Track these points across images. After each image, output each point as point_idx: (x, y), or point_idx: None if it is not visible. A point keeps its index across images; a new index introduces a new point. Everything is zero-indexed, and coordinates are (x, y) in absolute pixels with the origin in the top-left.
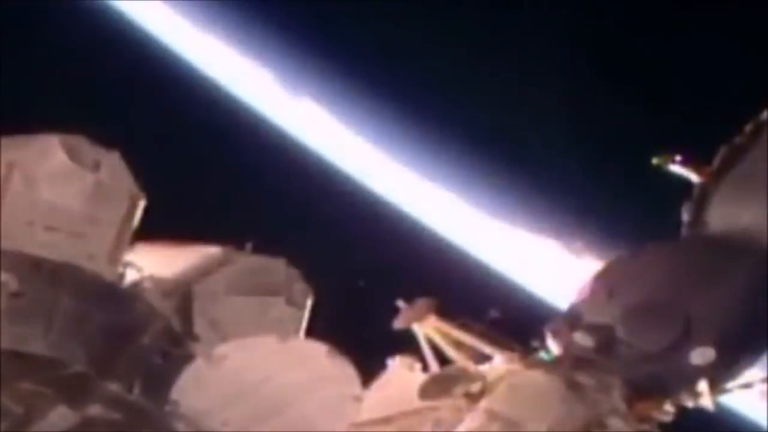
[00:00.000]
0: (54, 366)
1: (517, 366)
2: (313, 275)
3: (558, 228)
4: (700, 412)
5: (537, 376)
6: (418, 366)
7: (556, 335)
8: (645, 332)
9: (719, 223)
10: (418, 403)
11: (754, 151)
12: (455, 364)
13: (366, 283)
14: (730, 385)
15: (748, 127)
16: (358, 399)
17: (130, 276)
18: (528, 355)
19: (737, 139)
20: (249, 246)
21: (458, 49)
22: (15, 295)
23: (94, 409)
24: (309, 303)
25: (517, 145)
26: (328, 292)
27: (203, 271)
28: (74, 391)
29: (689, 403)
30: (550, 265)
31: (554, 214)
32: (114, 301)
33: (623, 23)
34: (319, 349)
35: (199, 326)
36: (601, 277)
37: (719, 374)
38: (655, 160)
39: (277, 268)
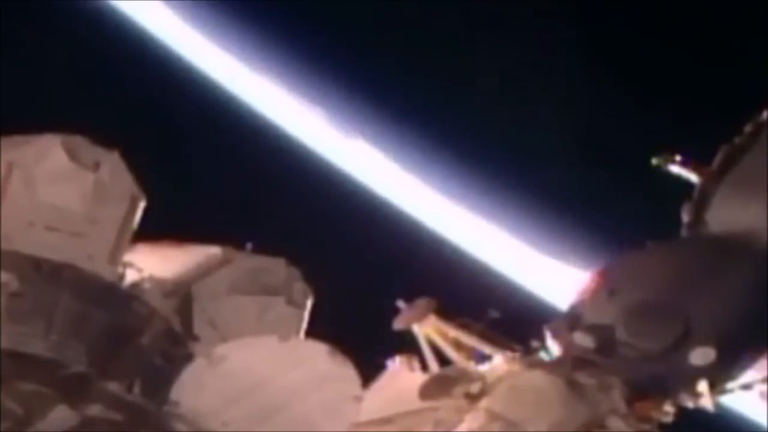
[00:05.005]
0: (54, 366)
1: (517, 366)
2: (313, 275)
3: (558, 229)
4: (700, 412)
5: (537, 376)
6: (418, 366)
7: (556, 335)
8: (645, 332)
9: (719, 223)
10: (418, 403)
11: (754, 151)
12: (455, 364)
13: (366, 281)
14: (730, 385)
15: (748, 127)
16: (358, 399)
17: (130, 276)
18: (528, 355)
19: (737, 139)
20: (249, 246)
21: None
22: (15, 295)
23: (94, 409)
24: (309, 303)
25: (516, 146)
26: (328, 292)
27: (203, 271)
28: (74, 391)
29: (689, 403)
30: (550, 266)
31: (554, 214)
32: (114, 301)
33: (623, 23)
34: (319, 349)
35: (199, 326)
36: (601, 277)
37: (719, 374)
38: (655, 160)
39: (277, 268)
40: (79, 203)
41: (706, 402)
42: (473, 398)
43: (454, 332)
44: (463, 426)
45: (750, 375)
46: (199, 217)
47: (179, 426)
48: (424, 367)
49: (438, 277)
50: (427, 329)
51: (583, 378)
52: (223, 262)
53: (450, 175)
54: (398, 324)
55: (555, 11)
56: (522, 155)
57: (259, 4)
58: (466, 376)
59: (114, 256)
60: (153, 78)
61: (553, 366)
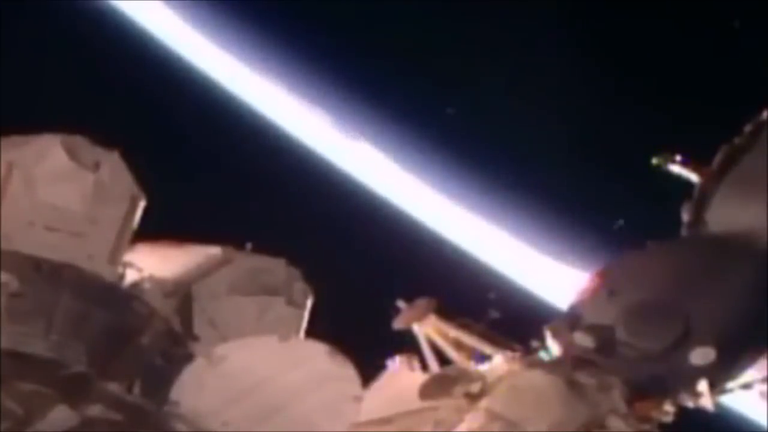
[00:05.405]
0: (54, 366)
1: (517, 366)
2: (313, 275)
3: (558, 229)
4: (700, 412)
5: (537, 376)
6: (418, 366)
7: (556, 335)
8: (645, 332)
9: (719, 223)
10: (418, 403)
11: (754, 151)
12: (455, 364)
13: (366, 281)
14: (730, 385)
15: (748, 127)
16: (358, 399)
17: (130, 276)
18: (528, 355)
19: (737, 139)
20: (249, 246)
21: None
22: (15, 295)
23: (94, 409)
24: (309, 303)
25: (516, 146)
26: (328, 292)
27: (203, 271)
28: (74, 391)
29: (689, 403)
30: (550, 266)
31: (554, 215)
32: (114, 301)
33: (623, 23)
34: (319, 349)
35: (199, 326)
36: (601, 277)
37: (719, 374)
38: (655, 160)
39: (277, 268)
40: (79, 203)
41: (706, 402)
42: (473, 398)
43: (454, 332)
44: (463, 426)
45: (750, 375)
46: (199, 217)
47: (179, 426)
48: (424, 367)
49: (438, 277)
50: (427, 329)
51: (583, 378)
52: (223, 262)
53: (450, 175)
54: (398, 324)
55: (555, 12)
56: (522, 155)
57: (260, 4)
58: (466, 376)
59: (114, 256)
60: (153, 78)
61: (553, 366)
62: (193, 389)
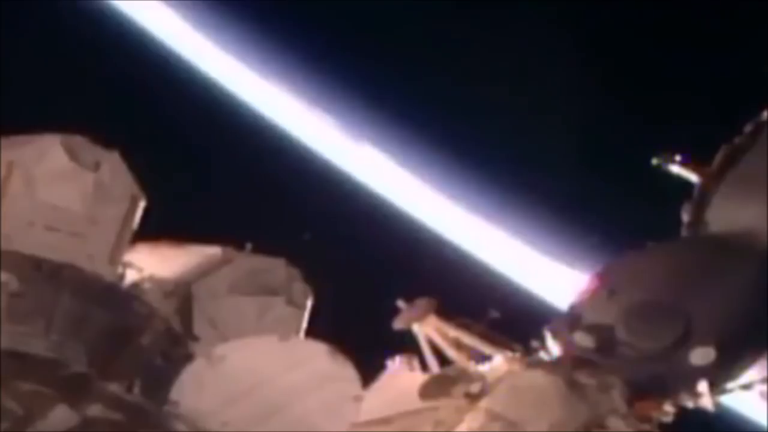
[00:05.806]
0: (54, 366)
1: (517, 366)
2: (313, 275)
3: (559, 229)
4: (700, 412)
5: (537, 376)
6: (418, 366)
7: (556, 335)
8: (645, 332)
9: (719, 223)
10: (418, 403)
11: (754, 151)
12: (455, 364)
13: (366, 281)
14: (730, 385)
15: (748, 127)
16: (358, 399)
17: (130, 276)
18: (528, 355)
19: (737, 139)
20: (249, 246)
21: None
22: (15, 295)
23: (94, 409)
24: (309, 303)
25: (517, 146)
26: (328, 292)
27: (203, 271)
28: (74, 391)
29: (689, 403)
30: (551, 266)
31: (554, 215)
32: (114, 301)
33: (623, 24)
34: (319, 349)
35: (199, 326)
36: (601, 277)
37: (719, 374)
38: (655, 160)
39: (277, 268)
40: (79, 203)
41: (706, 402)
42: (473, 398)
43: (454, 332)
44: (463, 426)
45: (750, 375)
46: (199, 217)
47: (179, 426)
48: (424, 367)
49: (438, 277)
50: (427, 329)
51: (583, 378)
52: (223, 262)
53: (450, 175)
54: (398, 324)
55: (555, 13)
56: (522, 156)
57: (261, 4)
58: (466, 376)
59: (114, 256)
60: (153, 78)
61: (553, 366)
62: (193, 389)
